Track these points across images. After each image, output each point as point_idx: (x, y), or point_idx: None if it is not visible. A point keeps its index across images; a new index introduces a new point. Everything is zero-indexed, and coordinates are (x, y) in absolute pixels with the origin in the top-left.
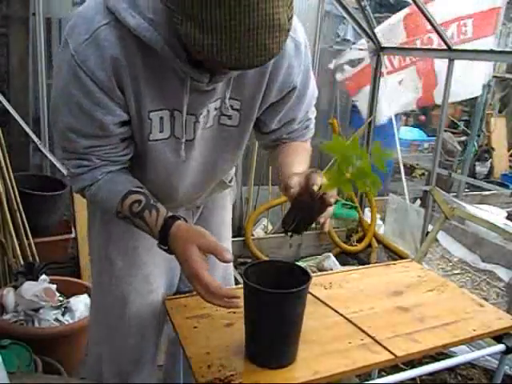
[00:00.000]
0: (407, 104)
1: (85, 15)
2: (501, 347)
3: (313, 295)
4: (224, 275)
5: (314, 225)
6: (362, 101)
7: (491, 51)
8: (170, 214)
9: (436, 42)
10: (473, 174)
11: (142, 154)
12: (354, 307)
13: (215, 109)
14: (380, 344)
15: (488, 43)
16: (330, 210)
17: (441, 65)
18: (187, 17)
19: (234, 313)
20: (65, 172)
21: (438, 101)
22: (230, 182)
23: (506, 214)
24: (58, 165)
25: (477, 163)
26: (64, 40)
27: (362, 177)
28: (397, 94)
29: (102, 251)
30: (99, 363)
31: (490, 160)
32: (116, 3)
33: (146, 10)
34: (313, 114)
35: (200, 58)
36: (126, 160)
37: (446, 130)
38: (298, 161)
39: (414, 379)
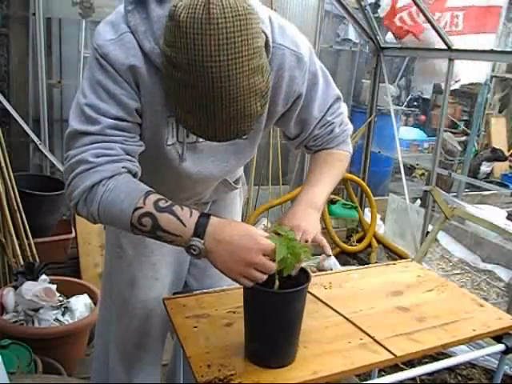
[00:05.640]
0: None
1: (113, 23)
2: (501, 347)
3: (313, 295)
4: None
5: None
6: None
7: (491, 51)
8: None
9: None
10: (474, 174)
11: (156, 159)
12: (353, 307)
13: None
14: (380, 344)
15: (482, 41)
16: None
17: None
18: (176, 103)
19: (234, 313)
20: (79, 169)
21: None
22: (236, 183)
23: (506, 214)
24: (57, 164)
25: (483, 163)
26: (92, 43)
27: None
28: None
29: (115, 240)
30: (107, 346)
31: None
32: (136, 24)
33: (159, 38)
34: (335, 118)
35: None
36: (139, 152)
37: (445, 130)
38: (320, 173)
39: (413, 379)
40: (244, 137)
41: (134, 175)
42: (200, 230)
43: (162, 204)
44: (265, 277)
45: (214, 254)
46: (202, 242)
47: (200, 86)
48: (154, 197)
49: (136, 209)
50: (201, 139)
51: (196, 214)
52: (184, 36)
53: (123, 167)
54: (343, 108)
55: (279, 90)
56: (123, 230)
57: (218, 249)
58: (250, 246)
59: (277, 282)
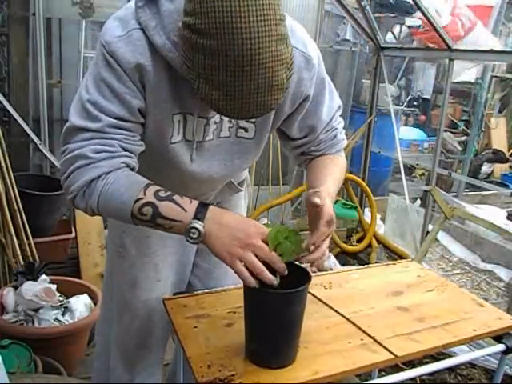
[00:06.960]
0: None
1: (122, 19)
2: (501, 347)
3: (313, 295)
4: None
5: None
6: None
7: (491, 51)
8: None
9: None
10: (476, 175)
11: (159, 158)
12: (354, 307)
13: (229, 120)
14: (380, 344)
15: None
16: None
17: None
18: (199, 75)
19: (234, 313)
20: (77, 163)
21: None
22: (240, 184)
23: (506, 214)
24: (57, 164)
25: (485, 163)
26: (99, 39)
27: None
28: None
29: (118, 239)
30: (108, 345)
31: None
32: (147, 20)
33: (171, 32)
34: (338, 124)
35: None
36: (139, 151)
37: (445, 130)
38: (325, 174)
39: (414, 379)
40: (253, 134)
41: (132, 170)
42: (200, 215)
43: (162, 194)
44: (262, 266)
45: (213, 237)
46: (202, 224)
47: (228, 50)
48: (153, 188)
49: (137, 200)
50: (207, 137)
51: (196, 201)
52: None
53: (122, 162)
54: (341, 118)
55: (287, 90)
56: (122, 221)
57: (217, 231)
58: (249, 228)
59: (278, 279)
